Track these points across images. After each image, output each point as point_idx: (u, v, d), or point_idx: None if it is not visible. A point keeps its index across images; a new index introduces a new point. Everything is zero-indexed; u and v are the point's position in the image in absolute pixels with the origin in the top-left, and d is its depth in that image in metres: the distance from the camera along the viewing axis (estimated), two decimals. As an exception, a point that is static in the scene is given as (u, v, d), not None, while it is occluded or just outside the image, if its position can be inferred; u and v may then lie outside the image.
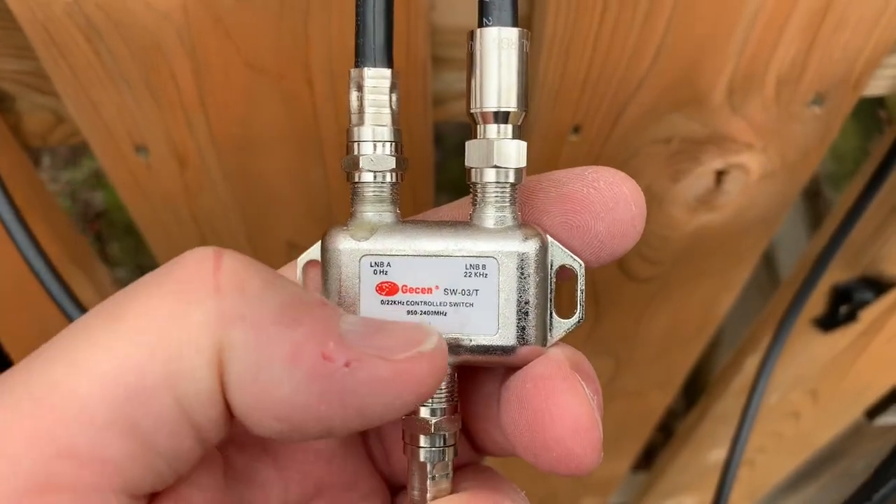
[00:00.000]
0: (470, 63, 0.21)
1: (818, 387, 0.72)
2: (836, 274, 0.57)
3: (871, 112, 0.95)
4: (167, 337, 0.16)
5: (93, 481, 0.15)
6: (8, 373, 0.16)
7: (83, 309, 0.32)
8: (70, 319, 0.32)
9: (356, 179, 0.22)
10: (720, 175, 0.46)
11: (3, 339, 0.49)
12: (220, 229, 0.45)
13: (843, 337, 0.65)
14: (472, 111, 0.21)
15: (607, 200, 0.21)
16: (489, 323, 0.21)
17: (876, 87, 0.43)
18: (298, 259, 0.23)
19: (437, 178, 0.46)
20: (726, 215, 0.49)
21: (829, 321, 0.61)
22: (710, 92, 0.40)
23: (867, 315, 0.61)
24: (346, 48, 0.35)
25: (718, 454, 0.85)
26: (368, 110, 0.21)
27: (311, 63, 0.36)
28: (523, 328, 0.21)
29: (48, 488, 0.15)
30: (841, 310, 0.60)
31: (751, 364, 0.66)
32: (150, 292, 0.17)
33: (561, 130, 0.41)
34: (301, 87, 0.37)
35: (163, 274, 0.17)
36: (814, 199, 0.93)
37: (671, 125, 0.41)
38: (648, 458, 1.01)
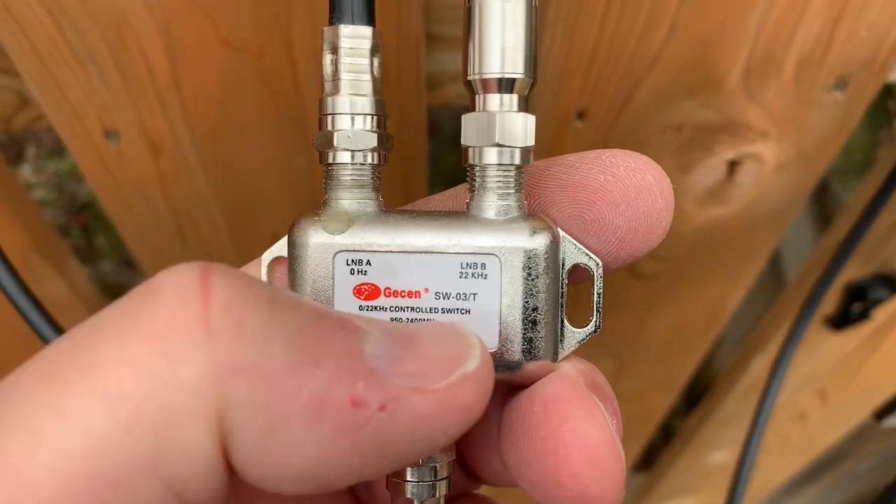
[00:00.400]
0: (468, 21, 0.17)
1: (827, 387, 0.70)
2: (850, 271, 0.55)
3: (879, 103, 0.92)
4: (150, 405, 0.12)
5: None
6: None
7: (40, 307, 0.29)
8: (25, 319, 0.29)
9: (330, 160, 0.18)
10: (733, 166, 0.43)
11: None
12: (199, 220, 0.42)
13: (855, 336, 0.62)
14: (469, 78, 0.18)
15: (628, 190, 0.18)
16: (489, 333, 0.18)
17: (901, 71, 0.40)
18: (263, 255, 0.20)
19: (430, 171, 0.43)
20: (737, 209, 0.46)
21: (842, 319, 0.58)
22: (726, 75, 0.37)
23: (880, 313, 0.59)
24: (332, 23, 0.32)
25: (721, 456, 0.82)
26: (345, 77, 0.18)
27: (294, 39, 0.33)
28: (530, 340, 0.18)
29: None
30: (854, 308, 0.57)
31: (758, 364, 0.64)
32: (126, 337, 0.13)
33: (564, 116, 0.38)
34: (283, 66, 0.34)
35: (137, 310, 0.13)
36: (821, 193, 0.91)
37: (683, 111, 0.39)
38: (648, 459, 0.99)
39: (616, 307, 0.55)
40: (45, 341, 0.29)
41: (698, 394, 0.84)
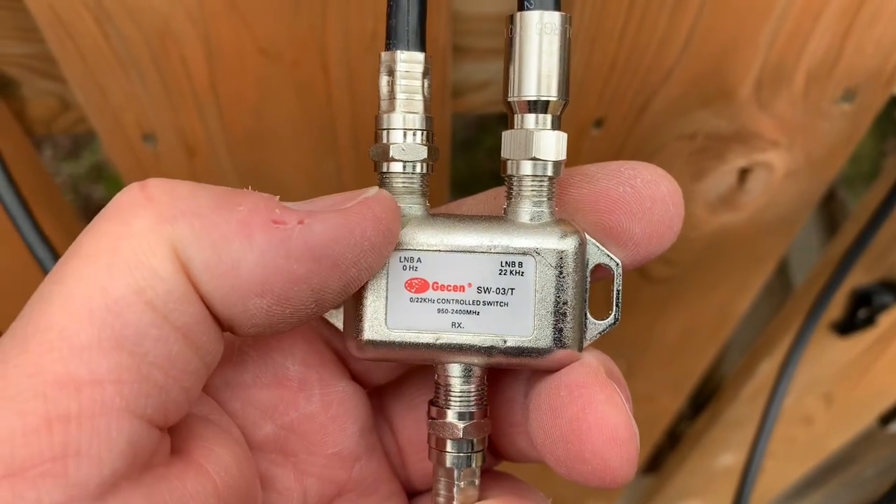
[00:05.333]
0: (509, 49, 0.20)
1: (833, 391, 0.71)
2: (856, 277, 0.56)
3: (886, 113, 0.93)
4: (118, 251, 0.16)
5: (93, 405, 0.15)
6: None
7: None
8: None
9: (385, 169, 0.20)
10: (744, 173, 0.44)
11: (4, 329, 0.47)
12: (229, 222, 0.44)
13: (860, 341, 0.63)
14: (509, 100, 0.20)
15: (644, 200, 0.20)
16: (524, 324, 0.20)
17: (907, 84, 0.41)
18: None
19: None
20: (747, 215, 0.48)
21: (847, 325, 0.60)
22: (738, 86, 0.38)
23: (886, 319, 0.60)
24: (364, 33, 0.34)
25: (727, 459, 0.83)
26: (400, 96, 0.20)
27: (328, 49, 0.34)
28: (560, 330, 0.20)
29: (55, 421, 0.15)
30: (859, 313, 0.59)
31: (765, 368, 0.65)
32: (93, 226, 0.17)
33: (583, 124, 0.39)
34: (316, 75, 0.36)
35: (102, 211, 0.17)
36: (828, 201, 0.92)
37: (696, 121, 0.40)
38: (654, 462, 1.00)
39: (627, 310, 0.56)
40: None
41: (705, 398, 0.85)
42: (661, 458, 0.97)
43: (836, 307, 0.59)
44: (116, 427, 0.15)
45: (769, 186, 0.45)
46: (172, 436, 0.18)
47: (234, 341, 0.21)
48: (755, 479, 0.51)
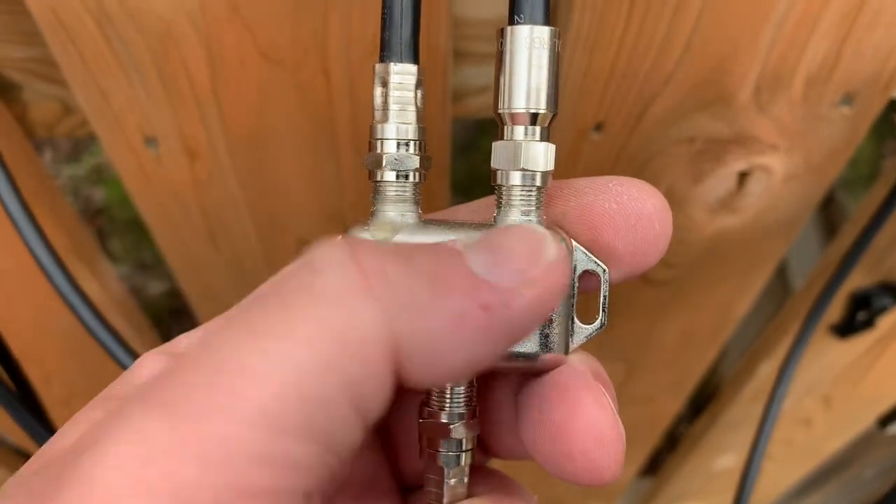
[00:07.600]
0: (499, 62, 0.20)
1: (831, 393, 0.71)
2: (855, 279, 0.56)
3: (884, 117, 0.94)
4: (343, 346, 0.16)
5: (285, 486, 0.15)
6: (162, 381, 0.16)
7: (89, 303, 0.31)
8: (75, 313, 0.31)
9: (378, 178, 0.21)
10: (743, 176, 0.44)
11: (5, 333, 0.47)
12: (230, 224, 0.44)
13: (859, 343, 0.63)
14: (499, 111, 0.21)
15: (629, 217, 0.21)
16: None
17: (905, 88, 0.41)
18: None
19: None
20: (747, 218, 0.48)
21: (847, 327, 0.60)
22: (738, 90, 0.39)
23: (885, 322, 0.60)
24: (366, 38, 0.34)
25: (726, 461, 0.84)
26: (393, 107, 0.21)
27: (329, 53, 0.35)
28: (546, 335, 0.21)
29: (247, 495, 0.15)
30: (858, 316, 0.59)
31: (764, 370, 0.65)
32: (310, 303, 0.16)
33: (582, 128, 0.40)
34: (317, 79, 0.36)
35: (310, 284, 0.17)
36: (827, 204, 0.92)
37: (696, 124, 0.40)
38: (653, 464, 1.00)
39: (626, 312, 0.57)
40: (94, 337, 0.31)
41: (704, 399, 0.86)
42: (660, 459, 0.97)
43: (836, 309, 0.59)
44: None
45: (768, 190, 0.46)
46: None
47: None
48: (755, 481, 0.51)
